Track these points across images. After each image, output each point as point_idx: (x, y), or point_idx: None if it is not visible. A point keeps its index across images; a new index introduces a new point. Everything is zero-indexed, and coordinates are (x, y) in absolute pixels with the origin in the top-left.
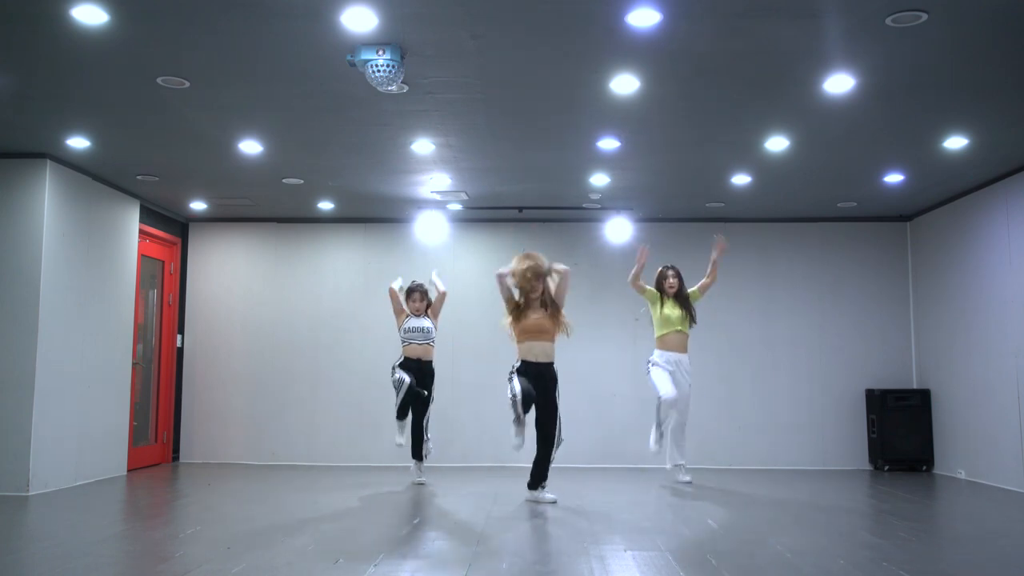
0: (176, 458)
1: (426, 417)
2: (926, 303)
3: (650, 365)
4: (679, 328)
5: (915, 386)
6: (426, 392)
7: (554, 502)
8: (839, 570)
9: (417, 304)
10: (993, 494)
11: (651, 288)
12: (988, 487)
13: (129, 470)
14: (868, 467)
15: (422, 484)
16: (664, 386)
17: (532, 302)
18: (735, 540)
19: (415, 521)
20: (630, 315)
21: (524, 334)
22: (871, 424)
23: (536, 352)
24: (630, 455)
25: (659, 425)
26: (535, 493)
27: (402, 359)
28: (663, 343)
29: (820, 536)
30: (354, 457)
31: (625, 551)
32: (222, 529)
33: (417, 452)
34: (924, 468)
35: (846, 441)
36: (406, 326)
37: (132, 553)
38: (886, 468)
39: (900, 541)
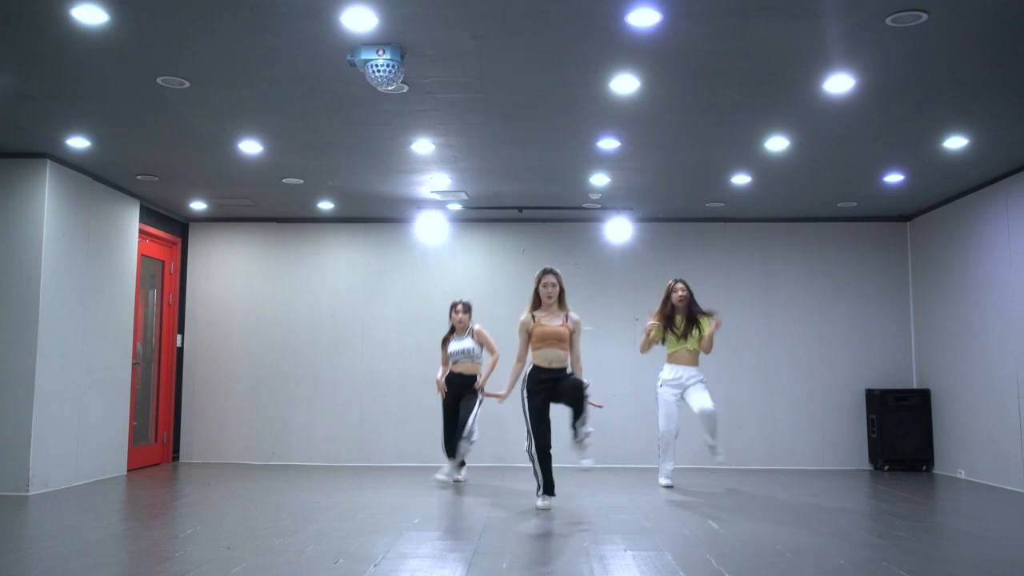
0: (176, 458)
1: (472, 415)
2: (926, 303)
3: (659, 387)
4: (689, 347)
5: (915, 386)
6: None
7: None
8: (839, 570)
9: (460, 316)
10: (993, 494)
11: (656, 327)
12: (988, 487)
13: (129, 470)
14: (868, 467)
15: (459, 481)
16: (665, 419)
17: (548, 308)
18: (735, 540)
19: (415, 521)
20: (630, 315)
21: (540, 341)
22: (871, 424)
23: (550, 358)
24: (630, 455)
25: (663, 459)
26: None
27: (448, 372)
28: (672, 358)
29: (820, 536)
30: (354, 457)
31: (625, 551)
32: (222, 529)
33: (451, 448)
34: (924, 468)
35: (846, 441)
36: (451, 350)
37: (132, 553)
38: (886, 468)
39: (900, 541)
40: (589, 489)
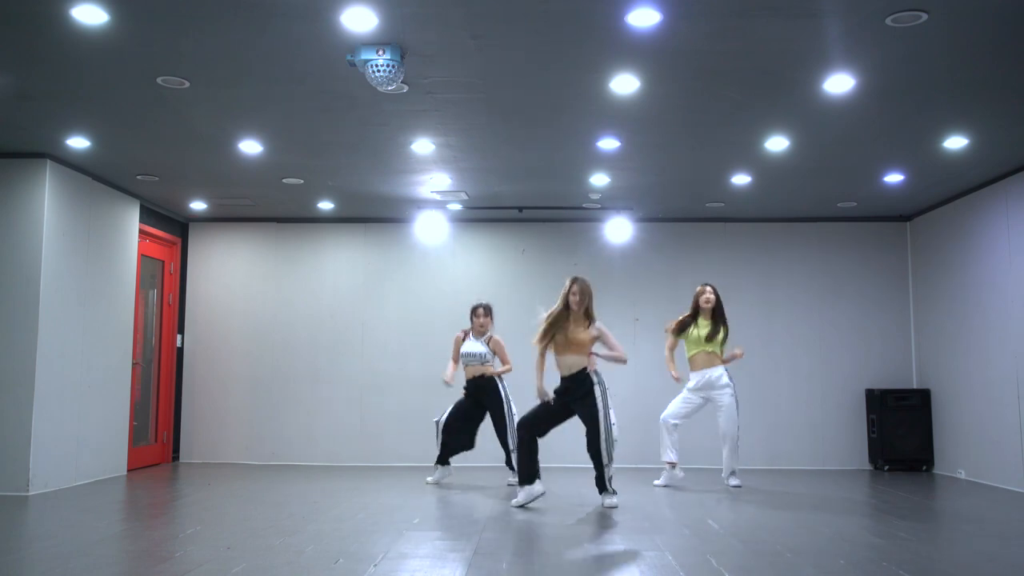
0: (176, 458)
1: (506, 431)
2: (926, 303)
3: (686, 389)
4: (707, 349)
5: (915, 386)
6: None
7: (614, 507)
8: (839, 570)
9: (482, 320)
10: (993, 494)
11: (676, 327)
12: (988, 487)
13: (129, 470)
14: (868, 467)
15: (513, 486)
16: (670, 407)
17: (575, 315)
18: (735, 540)
19: (415, 521)
20: (630, 315)
21: (557, 347)
22: (871, 424)
23: (567, 365)
24: (630, 455)
25: (667, 449)
26: (601, 497)
27: (464, 383)
28: (692, 363)
29: (820, 536)
30: (354, 457)
31: (625, 551)
32: (222, 529)
33: (509, 461)
34: (924, 468)
35: (846, 441)
36: (463, 351)
37: (132, 553)
38: (886, 468)
39: (900, 541)
40: (589, 489)
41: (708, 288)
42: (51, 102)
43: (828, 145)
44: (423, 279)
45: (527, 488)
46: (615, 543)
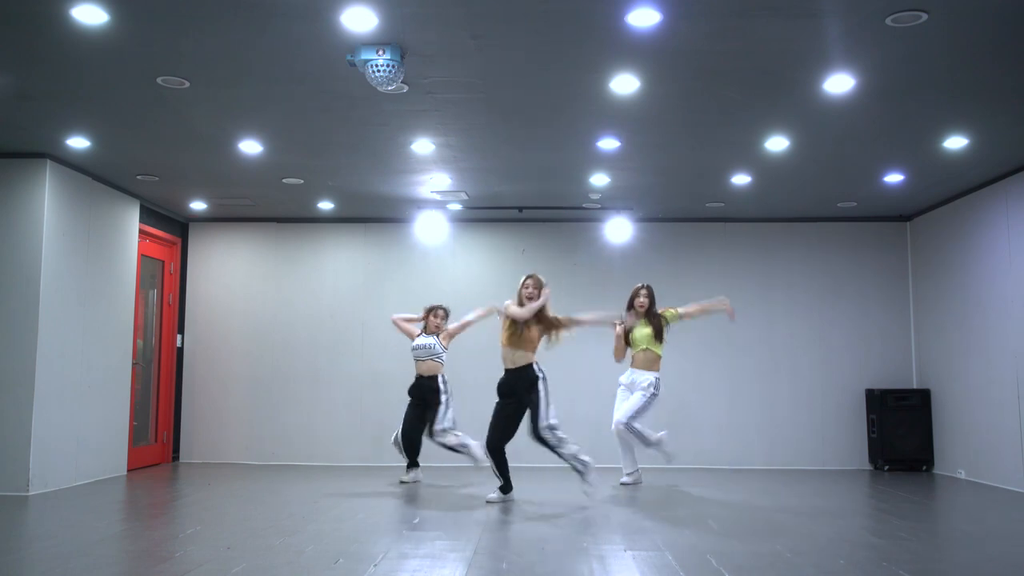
0: (176, 458)
1: (432, 427)
2: (926, 303)
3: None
4: (644, 347)
5: (915, 386)
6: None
7: (591, 488)
8: (839, 570)
9: (436, 321)
10: (993, 494)
11: (622, 330)
12: (988, 487)
13: (129, 470)
14: (868, 467)
15: (406, 484)
16: (615, 413)
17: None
18: (735, 540)
19: (415, 521)
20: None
21: (509, 340)
22: (871, 424)
23: (511, 359)
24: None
25: (624, 451)
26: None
27: (410, 385)
28: (632, 361)
29: (820, 536)
30: (354, 457)
31: (625, 551)
32: (222, 529)
33: (410, 449)
34: (924, 468)
35: (846, 441)
36: (415, 344)
37: (132, 553)
38: (886, 468)
39: (900, 541)
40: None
41: (643, 291)
42: (51, 102)
43: (828, 145)
44: (423, 279)
45: (503, 495)
46: (615, 543)
